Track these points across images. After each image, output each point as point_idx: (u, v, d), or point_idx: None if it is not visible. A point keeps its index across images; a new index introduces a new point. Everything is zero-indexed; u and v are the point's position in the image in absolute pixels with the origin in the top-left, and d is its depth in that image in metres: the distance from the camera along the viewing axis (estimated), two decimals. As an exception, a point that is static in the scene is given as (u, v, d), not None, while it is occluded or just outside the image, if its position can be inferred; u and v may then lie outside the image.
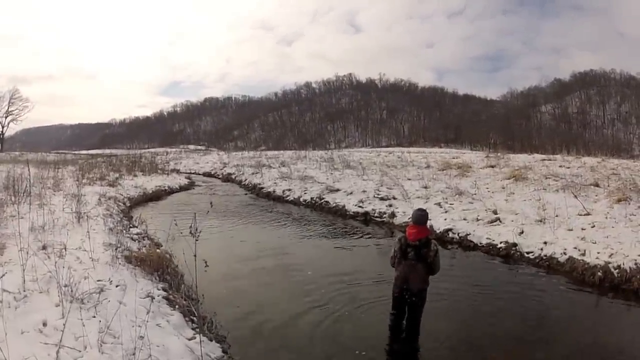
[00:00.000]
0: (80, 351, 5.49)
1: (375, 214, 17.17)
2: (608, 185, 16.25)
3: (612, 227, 11.90)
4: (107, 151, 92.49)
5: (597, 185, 16.69)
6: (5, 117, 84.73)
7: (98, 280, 7.81)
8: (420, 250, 6.77)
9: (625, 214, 12.48)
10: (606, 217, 12.68)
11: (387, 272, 10.50)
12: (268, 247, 13.09)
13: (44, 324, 5.95)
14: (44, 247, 9.23)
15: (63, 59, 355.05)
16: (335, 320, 7.93)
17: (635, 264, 9.43)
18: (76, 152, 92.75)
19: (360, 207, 18.11)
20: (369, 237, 14.53)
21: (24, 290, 6.83)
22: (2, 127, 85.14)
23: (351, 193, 20.31)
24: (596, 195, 15.22)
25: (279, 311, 8.40)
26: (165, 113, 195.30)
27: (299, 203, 21.27)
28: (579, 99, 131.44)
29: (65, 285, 6.85)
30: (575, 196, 14.74)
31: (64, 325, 5.75)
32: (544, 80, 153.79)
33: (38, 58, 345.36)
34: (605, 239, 11.11)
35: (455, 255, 12.52)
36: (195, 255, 5.36)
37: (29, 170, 14.08)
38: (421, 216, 6.96)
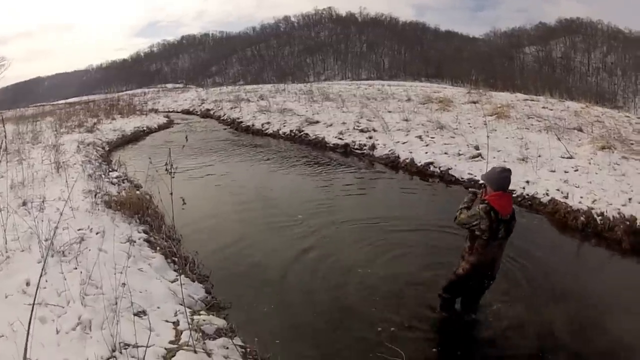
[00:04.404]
0: (63, 307, 5.37)
1: (356, 146, 16.95)
2: (592, 132, 16.03)
3: (596, 173, 11.72)
4: (85, 98, 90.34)
5: (580, 130, 16.49)
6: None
7: (78, 230, 7.68)
8: (510, 224, 5.42)
9: (609, 162, 12.29)
10: (589, 163, 12.50)
11: (368, 207, 10.71)
12: (248, 183, 13.06)
13: (27, 284, 5.82)
14: (24, 203, 9.08)
15: (40, 13, 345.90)
16: (318, 255, 7.90)
17: (619, 213, 9.22)
18: (55, 102, 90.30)
19: (340, 139, 17.88)
20: (350, 170, 14.50)
21: (6, 252, 6.69)
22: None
23: (331, 125, 20.05)
24: (579, 140, 15.03)
25: (261, 247, 8.40)
26: (142, 54, 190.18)
27: (278, 136, 20.97)
28: (563, 45, 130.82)
29: (46, 239, 6.71)
30: (559, 138, 14.54)
31: (45, 282, 5.70)
32: (528, 23, 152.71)
33: (15, 16, 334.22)
34: (589, 184, 10.95)
35: (437, 190, 12.57)
36: (171, 193, 5.08)
37: (3, 126, 13.50)
38: (509, 179, 5.41)
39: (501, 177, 5.33)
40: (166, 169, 5.18)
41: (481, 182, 5.66)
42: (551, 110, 21.07)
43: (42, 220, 7.33)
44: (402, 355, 4.87)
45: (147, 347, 4.65)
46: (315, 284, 7.01)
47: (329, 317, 6.20)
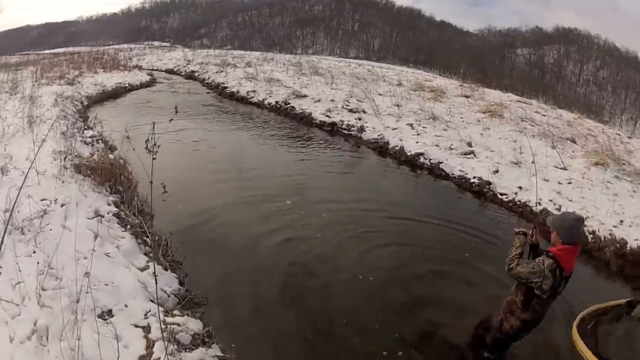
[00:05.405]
0: (18, 305, 4.61)
1: (343, 126, 16.50)
2: (585, 145, 15.78)
3: (589, 189, 11.44)
4: (71, 49, 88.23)
5: (574, 141, 16.21)
6: (-30, 26, 78.47)
7: (42, 200, 6.99)
8: (569, 279, 4.66)
9: (602, 179, 12.01)
10: (583, 177, 12.25)
11: (353, 188, 10.63)
12: (229, 153, 12.80)
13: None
14: (-14, 164, 8.12)
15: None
16: (304, 244, 7.53)
17: (610, 234, 8.97)
18: (40, 52, 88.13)
19: (327, 116, 17.38)
20: (336, 149, 14.21)
21: (-45, 228, 5.76)
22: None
23: (319, 101, 19.59)
24: (573, 152, 14.76)
25: (240, 229, 7.97)
26: (133, 9, 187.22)
27: (264, 106, 20.40)
28: (557, 52, 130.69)
29: (6, 211, 5.94)
30: (553, 147, 14.29)
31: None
32: (524, 25, 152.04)
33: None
34: (582, 199, 10.68)
35: (426, 183, 12.23)
36: (151, 182, 4.12)
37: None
38: (581, 229, 4.74)
39: (574, 226, 4.53)
40: (146, 147, 4.24)
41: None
42: (544, 116, 20.78)
43: (2, 187, 6.73)
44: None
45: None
46: (302, 279, 6.54)
47: (320, 323, 5.69)
